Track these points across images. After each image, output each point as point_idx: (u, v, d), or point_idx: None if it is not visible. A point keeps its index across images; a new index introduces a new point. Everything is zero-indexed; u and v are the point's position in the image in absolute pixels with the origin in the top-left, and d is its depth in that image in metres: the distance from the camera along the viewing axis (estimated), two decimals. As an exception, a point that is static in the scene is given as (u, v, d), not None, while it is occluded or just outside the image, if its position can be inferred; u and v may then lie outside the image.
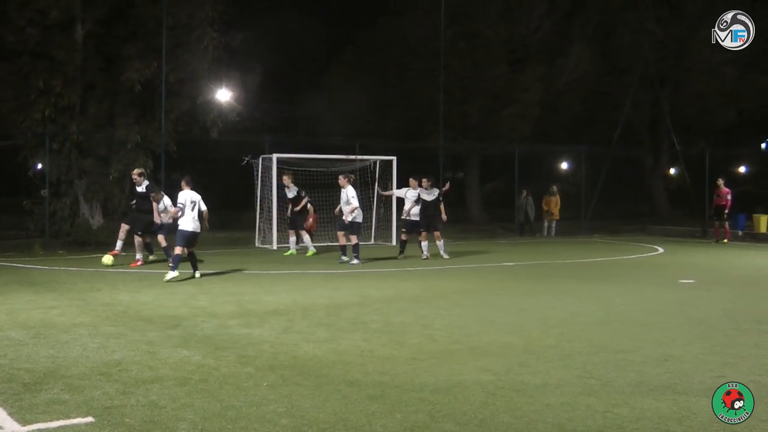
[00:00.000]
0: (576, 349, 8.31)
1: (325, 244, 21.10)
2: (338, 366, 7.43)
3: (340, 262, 17.86)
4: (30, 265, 16.93)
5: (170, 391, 6.49)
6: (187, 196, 14.62)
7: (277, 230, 22.08)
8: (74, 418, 5.75)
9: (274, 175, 21.93)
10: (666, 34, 36.78)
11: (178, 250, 14.49)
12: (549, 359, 7.81)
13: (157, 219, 16.56)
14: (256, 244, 22.85)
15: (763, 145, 46.89)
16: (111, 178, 22.75)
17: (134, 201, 17.67)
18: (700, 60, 36.59)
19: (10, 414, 5.83)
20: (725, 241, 25.75)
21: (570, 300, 12.16)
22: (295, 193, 20.16)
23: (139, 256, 17.15)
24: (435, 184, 19.15)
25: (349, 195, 17.74)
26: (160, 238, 16.82)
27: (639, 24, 35.15)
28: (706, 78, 37.12)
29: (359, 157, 24.49)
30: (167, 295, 12.33)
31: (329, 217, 21.06)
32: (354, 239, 17.84)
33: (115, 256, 16.96)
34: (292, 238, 20.39)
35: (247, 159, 22.94)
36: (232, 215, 26.99)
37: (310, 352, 8.05)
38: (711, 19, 32.73)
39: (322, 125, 38.39)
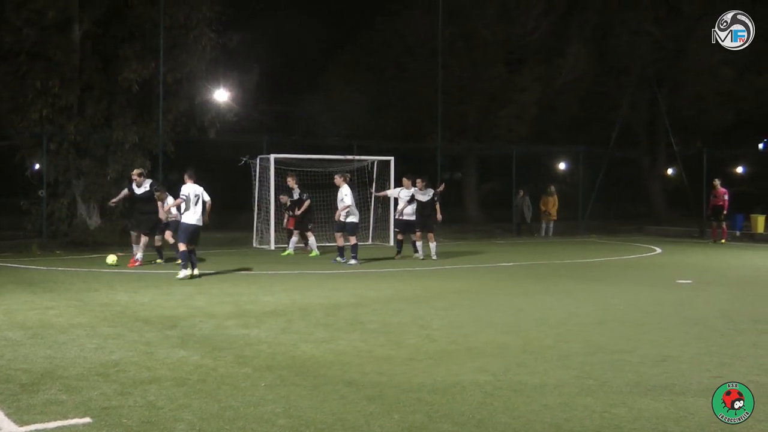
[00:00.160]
0: (574, 350, 8.31)
1: (322, 245, 21.08)
2: (336, 366, 7.43)
3: (334, 262, 17.88)
4: (27, 265, 16.91)
5: (168, 391, 6.49)
6: (191, 189, 14.69)
7: (275, 230, 22.08)
8: (72, 418, 5.75)
9: (272, 176, 21.93)
10: (663, 34, 36.80)
11: (182, 246, 14.59)
12: (547, 359, 7.81)
13: (162, 216, 16.53)
14: (254, 245, 22.86)
15: (760, 146, 46.96)
16: (109, 178, 22.74)
17: (135, 203, 17.60)
18: (698, 60, 36.60)
19: (8, 415, 5.83)
20: (723, 241, 25.78)
21: (568, 300, 12.17)
22: (298, 195, 20.21)
23: (139, 255, 17.15)
24: (430, 184, 19.12)
25: (342, 194, 17.75)
26: (167, 234, 16.87)
27: (636, 24, 35.15)
28: (703, 78, 37.14)
29: (357, 157, 24.50)
30: (165, 295, 12.32)
31: (327, 218, 21.07)
32: (352, 240, 17.84)
33: (134, 265, 16.85)
34: (294, 239, 20.37)
35: (244, 159, 22.94)
36: (229, 215, 26.99)
37: (308, 353, 8.05)
38: (709, 19, 32.90)
39: (320, 125, 38.41)
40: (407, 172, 19.87)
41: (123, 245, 20.25)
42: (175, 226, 16.11)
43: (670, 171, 43.91)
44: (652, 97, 35.90)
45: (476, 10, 33.37)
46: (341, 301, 11.83)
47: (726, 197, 25.56)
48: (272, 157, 22.10)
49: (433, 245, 18.94)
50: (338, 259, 18.01)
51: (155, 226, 16.94)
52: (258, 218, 23.12)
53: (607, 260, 19.95)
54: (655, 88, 34.52)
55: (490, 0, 33.52)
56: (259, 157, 22.89)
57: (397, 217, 19.53)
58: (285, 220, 21.50)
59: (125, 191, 17.69)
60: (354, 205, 17.97)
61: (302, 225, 20.11)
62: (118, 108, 23.08)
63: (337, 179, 18.11)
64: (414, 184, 18.93)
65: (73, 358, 7.71)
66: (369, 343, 8.55)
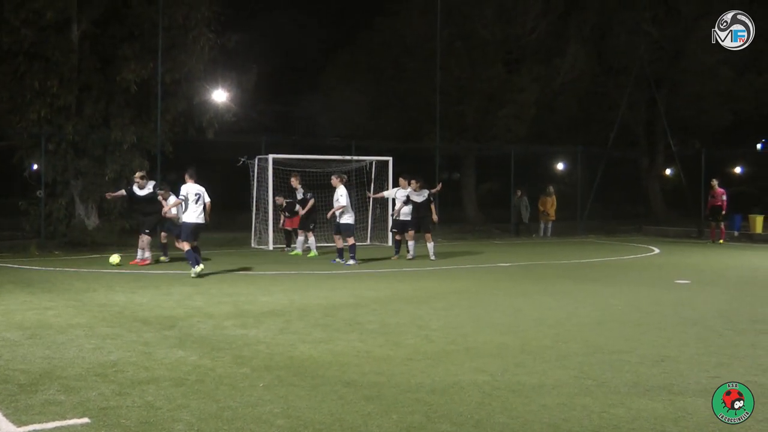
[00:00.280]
0: (572, 350, 8.31)
1: (322, 245, 21.07)
2: (334, 366, 7.43)
3: (333, 262, 17.88)
4: (26, 265, 16.90)
5: (166, 391, 6.48)
6: (191, 188, 14.88)
7: (273, 230, 22.08)
8: (70, 419, 5.74)
9: (270, 176, 21.92)
10: (662, 34, 36.85)
11: (186, 245, 14.77)
12: (545, 360, 7.81)
13: (169, 214, 16.52)
14: (253, 245, 22.85)
15: (758, 146, 47.02)
16: (107, 178, 22.73)
17: (138, 205, 17.71)
18: (697, 61, 36.64)
19: (6, 415, 5.82)
20: (721, 241, 25.80)
21: (566, 301, 12.17)
22: (302, 195, 20.24)
23: (147, 254, 17.36)
24: (425, 185, 19.10)
25: (338, 194, 17.77)
26: (162, 236, 17.08)
27: (635, 24, 35.20)
28: (702, 79, 37.18)
29: (355, 157, 24.50)
30: (163, 295, 12.32)
31: (325, 218, 21.07)
32: (350, 240, 17.84)
33: (143, 264, 17.04)
34: (300, 238, 20.36)
35: (243, 159, 22.93)
36: (228, 216, 26.98)
37: (306, 353, 8.04)
38: (707, 19, 33.03)
39: (319, 126, 38.42)
40: (406, 172, 19.87)
41: (121, 245, 20.25)
42: (173, 228, 16.19)
43: (668, 171, 43.96)
44: (651, 97, 35.96)
45: (475, 11, 33.39)
46: (340, 302, 11.83)
47: (724, 197, 25.57)
48: (270, 157, 22.10)
49: (430, 245, 18.94)
50: (337, 260, 18.01)
51: (156, 225, 17.08)
52: (256, 218, 23.12)
53: (605, 260, 19.96)
54: (654, 88, 34.56)
55: (489, 0, 33.53)
56: (257, 157, 22.88)
57: (394, 217, 19.53)
58: (281, 221, 21.54)
59: (122, 191, 18.07)
60: (349, 205, 17.98)
61: (305, 224, 20.15)
62: (117, 108, 23.07)
63: (334, 180, 18.14)
64: (410, 185, 18.94)
65: (71, 358, 7.70)
66: (367, 344, 8.54)
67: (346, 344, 8.51)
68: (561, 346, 8.54)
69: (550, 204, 29.49)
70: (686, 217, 32.67)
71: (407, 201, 18.84)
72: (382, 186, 23.64)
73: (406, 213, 18.91)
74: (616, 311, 11.13)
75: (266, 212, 22.34)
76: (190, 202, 14.81)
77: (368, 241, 24.14)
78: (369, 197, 23.12)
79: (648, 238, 28.34)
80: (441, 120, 29.12)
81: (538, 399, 6.36)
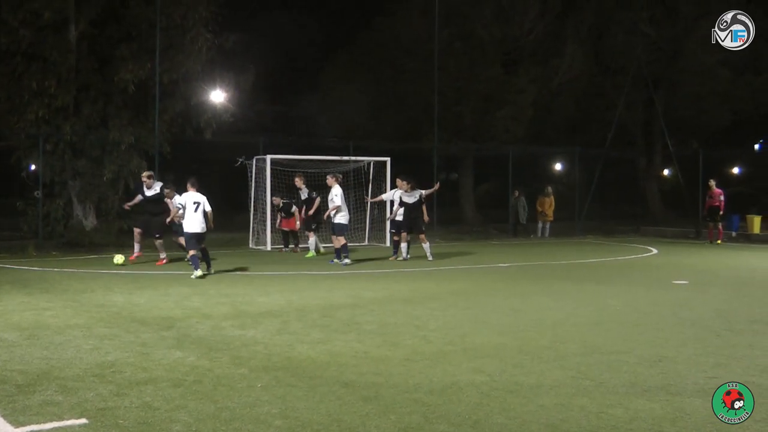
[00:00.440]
0: (570, 350, 8.32)
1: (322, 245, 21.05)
2: (332, 367, 7.43)
3: (331, 263, 17.87)
4: (23, 266, 16.89)
5: (164, 392, 6.48)
6: (189, 197, 15.04)
7: (271, 231, 22.06)
8: (68, 419, 5.74)
9: (268, 176, 21.91)
10: (660, 34, 36.86)
11: (190, 252, 15.10)
12: (543, 360, 7.82)
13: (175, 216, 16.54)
14: (251, 246, 22.84)
15: (756, 147, 47.04)
16: (105, 179, 22.72)
17: (146, 205, 17.71)
18: (694, 61, 36.65)
19: (3, 416, 5.81)
20: (719, 242, 25.82)
21: (564, 301, 12.17)
22: (307, 195, 20.23)
23: (163, 255, 17.44)
24: (416, 185, 19.04)
25: (333, 194, 17.79)
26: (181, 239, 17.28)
27: (633, 24, 35.22)
28: (700, 79, 37.18)
29: (353, 158, 24.49)
30: (161, 296, 12.31)
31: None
32: (341, 240, 17.85)
33: (133, 261, 17.12)
34: (312, 239, 20.24)
35: (241, 160, 22.91)
36: (226, 216, 26.96)
37: (304, 354, 8.04)
38: (705, 19, 33.08)
39: (317, 126, 38.39)
40: (403, 172, 19.86)
41: (119, 246, 20.25)
42: (179, 229, 16.34)
43: (666, 171, 43.97)
44: (649, 97, 35.97)
45: (473, 11, 33.38)
46: (337, 302, 11.82)
47: (722, 198, 25.59)
48: (269, 157, 22.08)
49: (426, 246, 18.92)
50: (335, 260, 18.01)
51: (164, 226, 17.15)
52: (254, 219, 23.11)
53: (603, 261, 19.97)
54: (652, 88, 34.58)
55: (487, 1, 33.54)
56: (255, 157, 22.86)
57: (392, 218, 19.52)
58: (278, 221, 21.55)
59: (139, 196, 17.95)
60: (344, 204, 18.01)
61: (309, 224, 20.16)
62: (114, 108, 23.05)
63: (329, 179, 18.20)
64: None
65: (69, 359, 7.70)
66: (365, 344, 8.54)
67: (344, 345, 8.51)
68: (559, 346, 8.54)
69: (548, 204, 29.50)
70: (684, 217, 32.70)
71: (400, 202, 18.84)
72: (380, 186, 23.64)
73: (401, 214, 18.91)
74: (614, 312, 11.14)
75: (264, 213, 22.33)
76: (189, 211, 14.99)
77: (366, 242, 24.13)
78: (368, 201, 23.09)
79: (646, 239, 28.35)
80: (439, 120, 29.12)
81: (536, 399, 6.36)
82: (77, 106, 22.72)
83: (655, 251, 22.68)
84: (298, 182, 20.43)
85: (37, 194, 22.15)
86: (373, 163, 24.32)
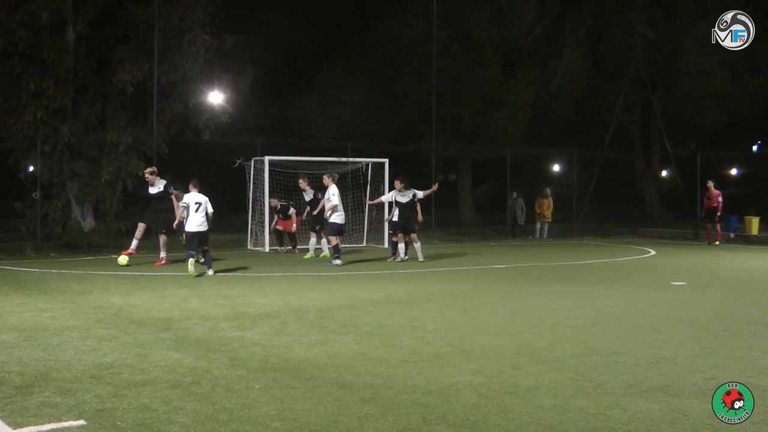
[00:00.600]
0: (568, 352, 8.32)
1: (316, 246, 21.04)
2: (330, 368, 7.42)
3: (330, 265, 17.86)
4: (21, 267, 16.88)
5: (162, 393, 6.47)
6: (192, 198, 15.33)
7: (270, 232, 22.07)
8: (66, 421, 5.73)
9: (266, 178, 21.91)
10: (657, 36, 36.89)
11: (190, 252, 15.32)
12: (541, 361, 7.82)
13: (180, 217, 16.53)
14: (249, 247, 22.84)
15: (754, 148, 47.08)
16: (103, 180, 22.72)
17: (151, 203, 17.69)
18: (692, 62, 36.68)
19: (2, 417, 5.80)
20: (717, 243, 25.83)
21: (562, 302, 12.17)
22: (312, 196, 20.25)
23: (162, 254, 17.38)
24: (410, 185, 19.02)
25: (330, 193, 17.80)
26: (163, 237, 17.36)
27: (630, 26, 35.25)
28: (697, 80, 37.20)
29: (351, 159, 24.49)
30: (159, 297, 12.30)
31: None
32: (333, 240, 17.85)
33: (130, 255, 17.14)
34: (321, 240, 20.21)
35: (239, 161, 22.92)
36: (224, 217, 26.94)
37: (302, 355, 8.04)
38: (703, 21, 33.10)
39: (315, 128, 38.40)
40: (401, 174, 19.86)
41: (118, 247, 20.21)
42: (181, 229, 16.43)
43: (664, 173, 44.00)
44: (646, 98, 35.99)
45: (471, 13, 33.40)
46: (335, 303, 11.82)
47: (720, 199, 25.62)
48: (266, 159, 22.09)
49: (417, 245, 18.88)
50: (335, 261, 18.00)
51: (169, 224, 17.05)
52: (252, 220, 23.11)
53: (601, 262, 19.98)
54: (649, 89, 34.60)
55: (485, 2, 33.56)
56: (253, 159, 22.87)
57: (390, 219, 19.52)
58: (273, 222, 21.57)
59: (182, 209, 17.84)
60: (340, 204, 18.01)
61: (312, 225, 20.20)
62: (112, 110, 23.06)
63: (326, 179, 18.23)
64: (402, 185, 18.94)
65: (67, 360, 7.69)
66: (363, 345, 8.54)
67: (342, 346, 8.51)
68: (557, 347, 8.54)
69: (546, 206, 29.52)
70: (682, 218, 32.71)
71: (395, 202, 18.83)
72: (378, 188, 23.64)
73: (398, 214, 18.91)
74: (612, 313, 11.14)
75: (262, 214, 22.34)
76: (191, 211, 15.27)
77: (364, 243, 24.14)
78: (366, 204, 23.08)
79: (644, 240, 28.37)
80: (437, 122, 29.14)
81: (534, 401, 6.36)
82: (75, 108, 22.72)
83: (653, 252, 22.69)
84: (302, 184, 20.52)
85: (35, 195, 22.14)
86: (371, 165, 24.32)
